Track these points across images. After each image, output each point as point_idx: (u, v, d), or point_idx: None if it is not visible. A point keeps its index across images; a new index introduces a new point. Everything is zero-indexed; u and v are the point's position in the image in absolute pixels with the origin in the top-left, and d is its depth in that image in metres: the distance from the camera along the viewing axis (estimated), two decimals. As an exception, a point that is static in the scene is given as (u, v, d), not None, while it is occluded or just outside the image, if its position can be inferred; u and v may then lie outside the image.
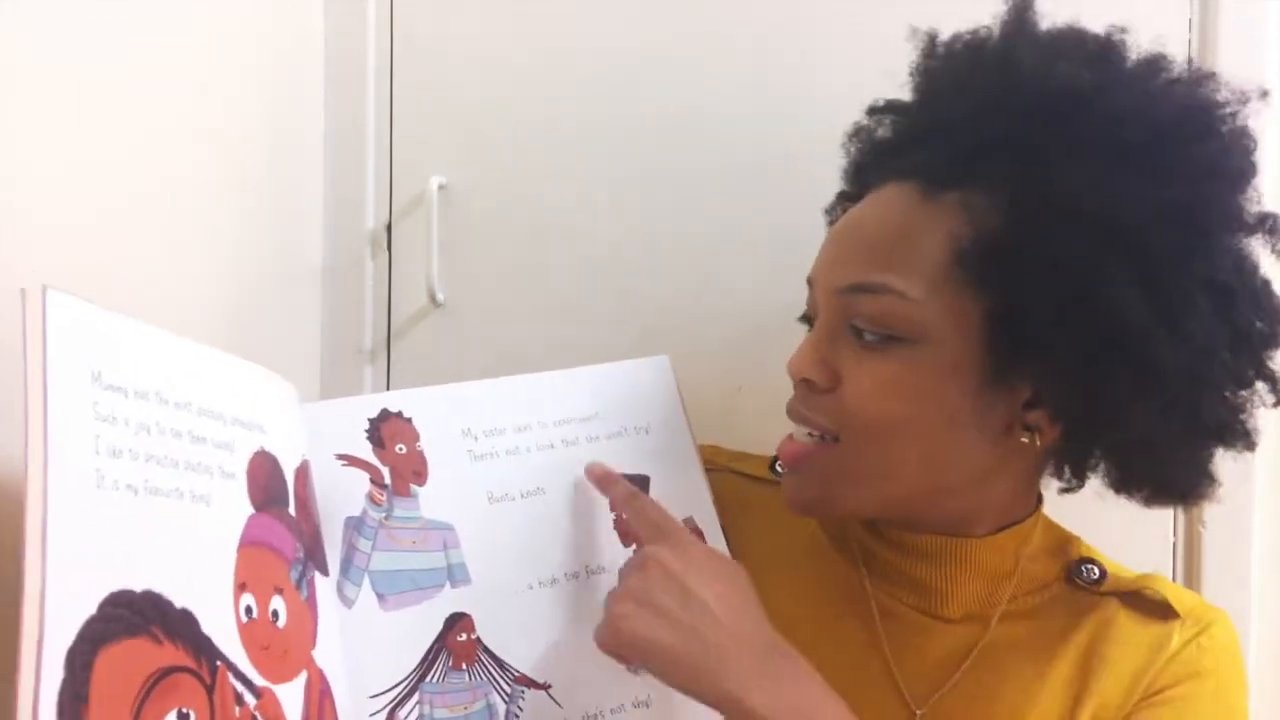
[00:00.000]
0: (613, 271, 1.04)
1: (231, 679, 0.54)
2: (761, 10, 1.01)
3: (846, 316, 0.70)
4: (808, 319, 0.77)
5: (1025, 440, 0.69)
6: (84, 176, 0.73)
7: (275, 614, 0.59)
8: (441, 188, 1.06)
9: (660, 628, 0.62)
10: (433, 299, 1.06)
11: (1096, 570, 0.76)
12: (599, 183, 1.04)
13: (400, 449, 0.73)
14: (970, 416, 0.68)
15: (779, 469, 0.84)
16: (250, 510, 0.60)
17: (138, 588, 0.49)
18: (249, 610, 0.57)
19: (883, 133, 0.80)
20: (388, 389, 1.08)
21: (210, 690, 0.52)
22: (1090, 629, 0.73)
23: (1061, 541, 0.78)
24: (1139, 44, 0.71)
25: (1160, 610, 0.73)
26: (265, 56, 0.98)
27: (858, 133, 0.82)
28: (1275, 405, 0.70)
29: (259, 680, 0.56)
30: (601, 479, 0.75)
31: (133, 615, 0.48)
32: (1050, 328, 0.64)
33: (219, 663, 0.53)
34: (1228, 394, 0.68)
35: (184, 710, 0.50)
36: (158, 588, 0.50)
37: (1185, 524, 0.95)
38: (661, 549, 0.66)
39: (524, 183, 1.05)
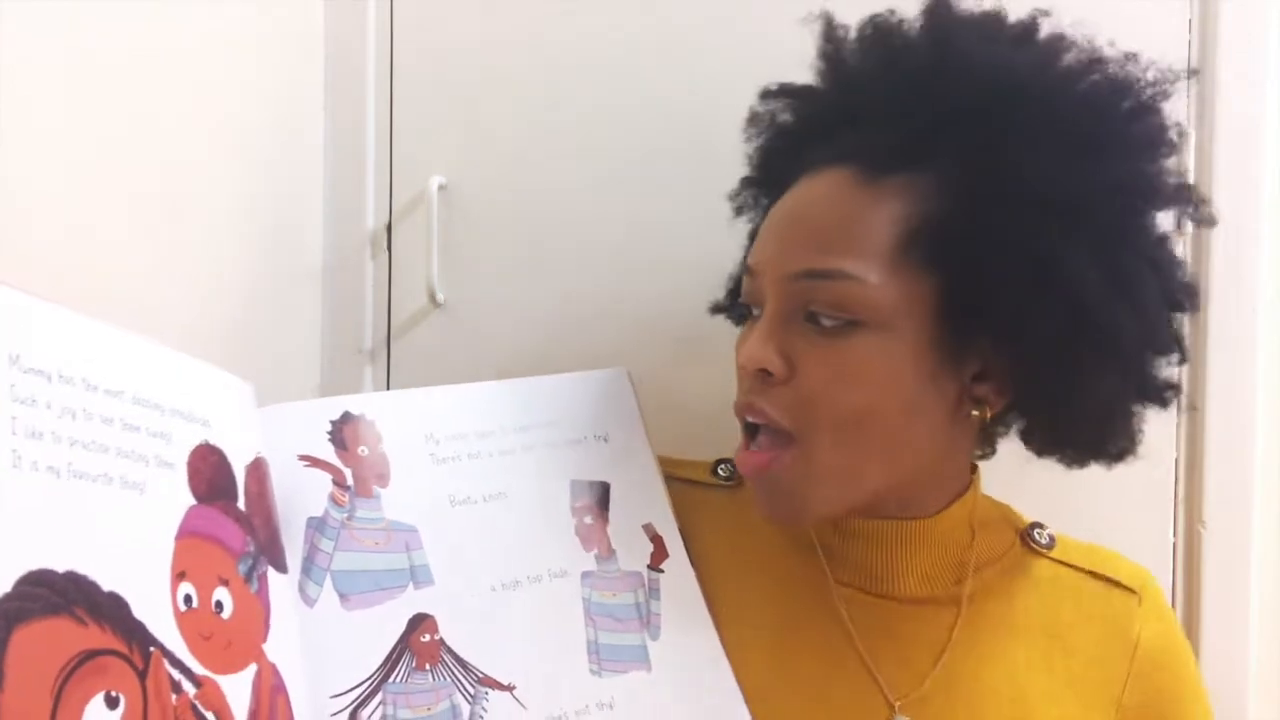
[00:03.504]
0: (612, 271, 1.04)
1: (167, 666, 0.53)
2: (765, 8, 1.01)
3: (801, 303, 0.69)
4: (744, 308, 0.76)
5: (975, 414, 0.71)
6: (84, 177, 0.73)
7: (219, 605, 0.59)
8: (441, 188, 1.06)
9: None
10: (433, 299, 1.06)
11: (1047, 535, 0.79)
12: (599, 182, 1.04)
13: (363, 451, 0.73)
14: (926, 398, 0.69)
15: (720, 471, 0.84)
16: (191, 501, 0.60)
17: (59, 568, 0.48)
18: (188, 599, 0.57)
19: (786, 117, 0.81)
20: (387, 389, 1.08)
21: (142, 675, 0.51)
22: (1058, 604, 0.76)
23: (1005, 509, 0.80)
24: (1055, 25, 0.73)
25: (1121, 587, 0.77)
26: (265, 57, 0.98)
27: (755, 119, 0.83)
28: (1181, 364, 0.74)
29: (199, 669, 0.56)
30: None
31: (53, 595, 0.48)
32: (1009, 308, 0.66)
33: (153, 648, 0.53)
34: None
35: (112, 694, 0.49)
36: (83, 569, 0.50)
37: (1185, 524, 0.95)
38: None
39: (524, 183, 1.05)
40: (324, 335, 1.10)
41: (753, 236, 0.83)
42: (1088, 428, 0.73)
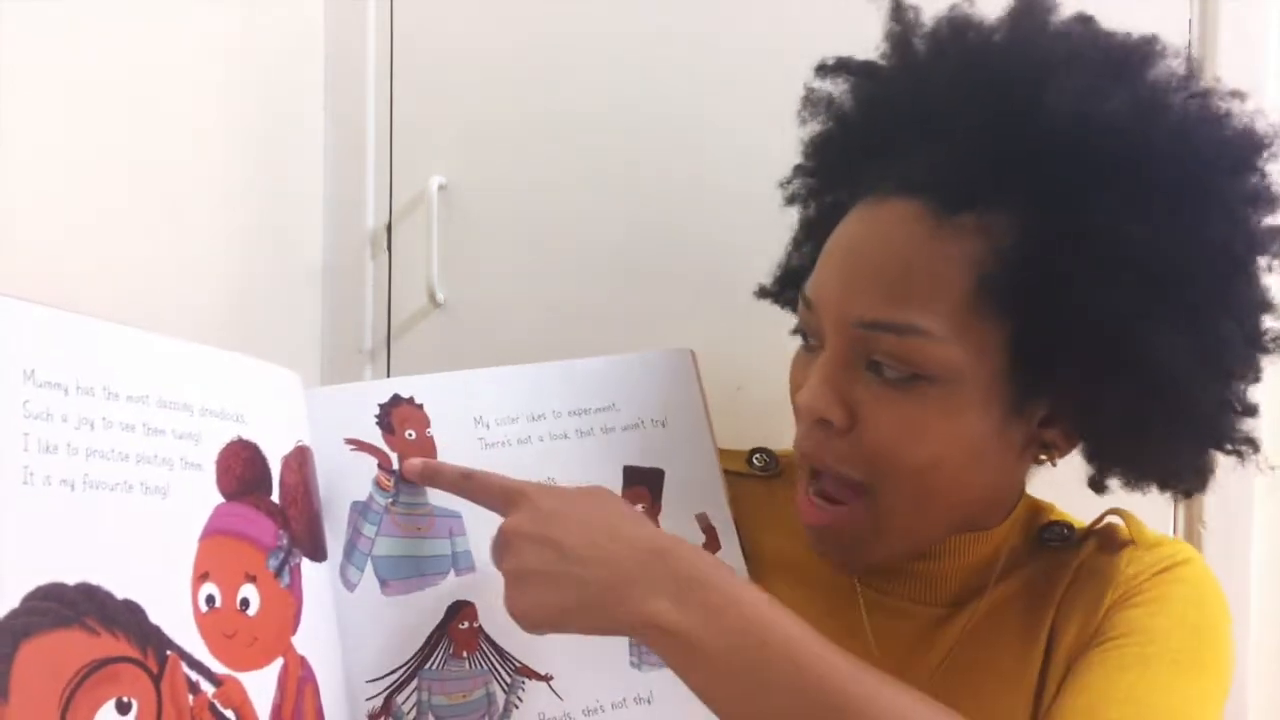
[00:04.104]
0: (612, 271, 1.04)
1: (185, 668, 0.54)
2: (766, 7, 1.01)
3: (864, 351, 0.65)
4: (802, 333, 0.72)
5: (1043, 457, 0.70)
6: (84, 177, 0.73)
7: (245, 602, 0.60)
8: (441, 188, 1.06)
9: (548, 594, 0.59)
10: (433, 299, 1.06)
11: (1067, 530, 0.75)
12: (599, 182, 1.04)
13: (410, 435, 0.72)
14: (993, 445, 0.66)
15: (756, 461, 0.83)
16: (219, 500, 0.60)
17: (70, 580, 0.49)
18: (210, 599, 0.57)
19: (846, 103, 0.75)
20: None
21: (157, 679, 0.52)
22: (1066, 580, 0.72)
23: (1032, 511, 0.77)
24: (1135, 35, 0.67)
25: (1120, 542, 0.72)
26: (265, 56, 0.98)
27: (812, 100, 0.76)
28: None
29: (219, 669, 0.56)
30: (423, 473, 0.70)
31: (63, 608, 0.48)
32: (1085, 363, 0.63)
33: (169, 652, 0.53)
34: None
35: (124, 699, 0.50)
36: (96, 580, 0.50)
37: (1185, 524, 0.95)
38: (514, 517, 0.62)
39: (524, 183, 1.05)
40: (324, 335, 1.10)
41: (805, 226, 0.80)
42: (1158, 472, 0.70)
